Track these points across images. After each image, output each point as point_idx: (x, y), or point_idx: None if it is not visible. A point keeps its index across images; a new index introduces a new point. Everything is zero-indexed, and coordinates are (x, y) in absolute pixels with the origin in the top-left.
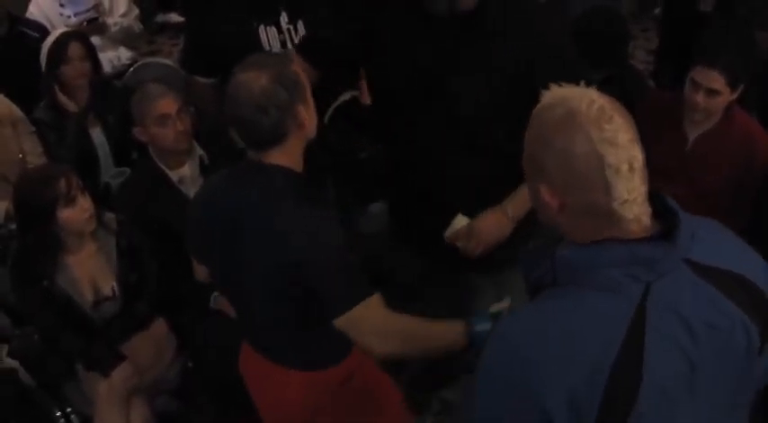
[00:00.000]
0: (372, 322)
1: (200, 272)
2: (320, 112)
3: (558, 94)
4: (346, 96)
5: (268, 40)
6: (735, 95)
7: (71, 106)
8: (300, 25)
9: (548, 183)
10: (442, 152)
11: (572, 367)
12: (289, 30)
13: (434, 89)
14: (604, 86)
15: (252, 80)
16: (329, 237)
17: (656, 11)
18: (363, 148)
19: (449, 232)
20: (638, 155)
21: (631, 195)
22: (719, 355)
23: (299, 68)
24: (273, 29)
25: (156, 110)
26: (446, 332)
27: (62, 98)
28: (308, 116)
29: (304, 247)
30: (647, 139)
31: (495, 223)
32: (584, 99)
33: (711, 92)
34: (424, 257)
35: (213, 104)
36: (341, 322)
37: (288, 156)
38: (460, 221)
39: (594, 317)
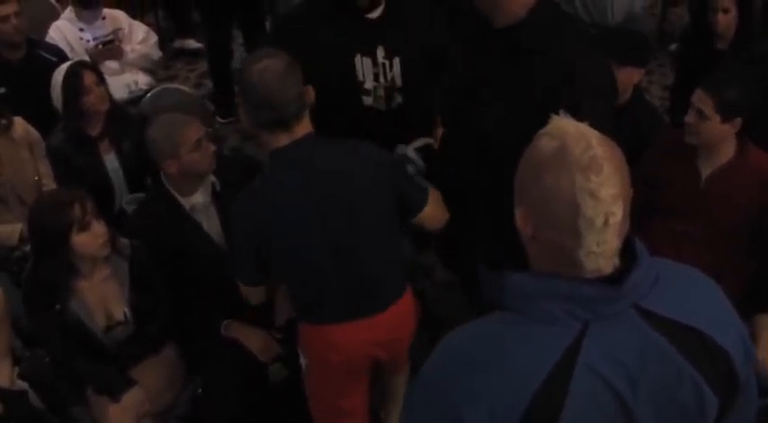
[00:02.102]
0: (438, 200)
1: (254, 295)
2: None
3: (560, 127)
4: (419, 143)
5: (362, 69)
6: (729, 127)
7: (93, 132)
8: (396, 63)
9: (525, 209)
10: (468, 168)
11: (495, 388)
12: (384, 64)
13: (467, 103)
14: (618, 116)
15: (272, 67)
16: (385, 152)
17: (673, 47)
18: None
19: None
20: (617, 211)
21: (600, 248)
22: (664, 409)
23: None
24: (369, 60)
25: (191, 136)
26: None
27: (84, 126)
28: (310, 90)
29: (381, 162)
30: (661, 174)
31: None
32: (581, 142)
33: (700, 114)
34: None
35: None
36: (425, 214)
37: (305, 125)
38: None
39: (528, 345)
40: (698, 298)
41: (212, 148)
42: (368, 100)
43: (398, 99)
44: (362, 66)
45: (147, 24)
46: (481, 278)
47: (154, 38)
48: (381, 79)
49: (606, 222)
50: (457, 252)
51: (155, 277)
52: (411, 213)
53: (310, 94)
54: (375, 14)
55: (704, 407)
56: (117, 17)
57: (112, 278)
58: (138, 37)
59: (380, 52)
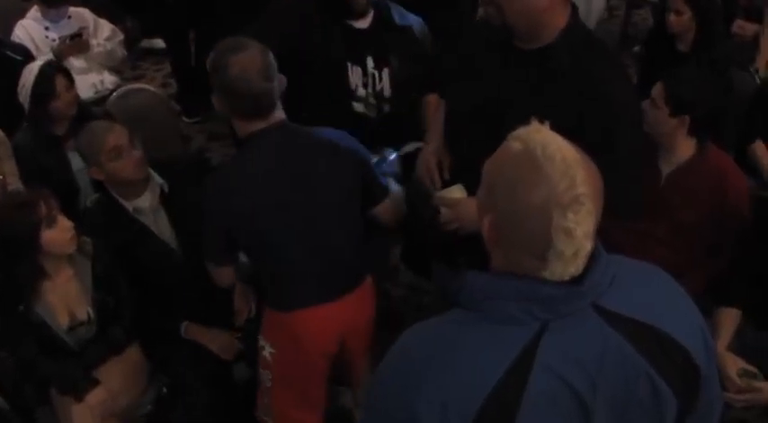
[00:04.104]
0: (399, 198)
1: (226, 275)
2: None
3: (544, 147)
4: (410, 147)
5: (353, 77)
6: (677, 123)
7: (59, 131)
8: (385, 74)
9: (495, 219)
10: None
11: (449, 388)
12: (374, 75)
13: (492, 120)
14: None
15: (253, 57)
16: (354, 141)
17: (636, 48)
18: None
19: (441, 193)
20: (587, 246)
21: (565, 271)
22: (622, 408)
23: None
24: (359, 69)
25: (109, 143)
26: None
27: (50, 126)
28: (282, 80)
29: (349, 150)
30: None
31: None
32: (565, 177)
33: (653, 102)
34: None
35: None
36: (385, 205)
37: (280, 112)
38: (457, 192)
39: (486, 343)
40: (655, 294)
41: (137, 155)
42: (359, 107)
43: (387, 108)
44: (353, 73)
45: (114, 24)
46: (438, 278)
47: (119, 36)
48: (370, 89)
49: (576, 255)
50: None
51: (117, 277)
52: (369, 204)
53: (283, 82)
54: (363, 25)
55: (661, 406)
56: (82, 15)
57: (75, 278)
58: (104, 35)
59: (370, 62)
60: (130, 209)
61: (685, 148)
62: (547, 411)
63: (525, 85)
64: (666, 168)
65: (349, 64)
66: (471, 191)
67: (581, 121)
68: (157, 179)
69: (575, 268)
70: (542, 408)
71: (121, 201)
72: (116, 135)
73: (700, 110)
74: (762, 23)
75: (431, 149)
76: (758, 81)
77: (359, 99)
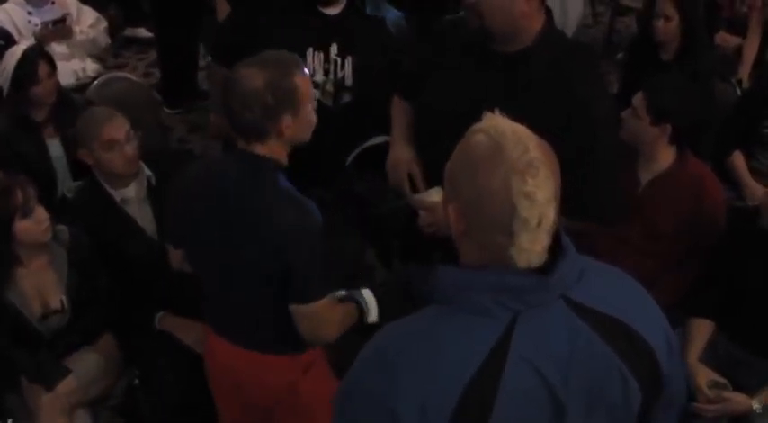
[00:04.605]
0: (324, 316)
1: (175, 259)
2: (346, 152)
3: (496, 127)
4: (379, 140)
5: (313, 64)
6: (658, 131)
7: (38, 117)
8: (348, 61)
9: (459, 206)
10: None
11: (427, 379)
12: (336, 61)
13: (468, 121)
14: None
15: (249, 77)
16: (311, 225)
17: (619, 56)
18: (387, 200)
19: (419, 196)
20: (550, 214)
21: (532, 246)
22: (593, 400)
23: (303, 81)
24: (322, 55)
25: (104, 135)
26: (353, 310)
27: (29, 111)
28: (296, 125)
29: (287, 229)
30: None
31: None
32: (519, 145)
33: (634, 112)
34: None
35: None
36: (299, 310)
37: (269, 150)
38: (435, 195)
39: (460, 336)
40: (622, 291)
41: (131, 152)
42: (315, 93)
43: (347, 98)
44: (314, 59)
45: (97, 11)
46: (411, 274)
47: (103, 23)
48: (332, 75)
49: (540, 223)
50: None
51: (93, 266)
52: (288, 298)
53: (286, 125)
54: (334, 11)
55: (629, 398)
56: (66, 1)
57: (50, 266)
58: (88, 22)
59: (334, 49)
60: (117, 198)
61: (665, 156)
62: (522, 404)
63: (504, 89)
64: (645, 176)
65: (311, 49)
66: None
67: (562, 125)
68: (146, 171)
69: (541, 246)
70: (518, 400)
71: (108, 189)
72: (115, 127)
73: (681, 119)
74: (744, 37)
75: (398, 158)
76: (739, 92)
77: (315, 85)
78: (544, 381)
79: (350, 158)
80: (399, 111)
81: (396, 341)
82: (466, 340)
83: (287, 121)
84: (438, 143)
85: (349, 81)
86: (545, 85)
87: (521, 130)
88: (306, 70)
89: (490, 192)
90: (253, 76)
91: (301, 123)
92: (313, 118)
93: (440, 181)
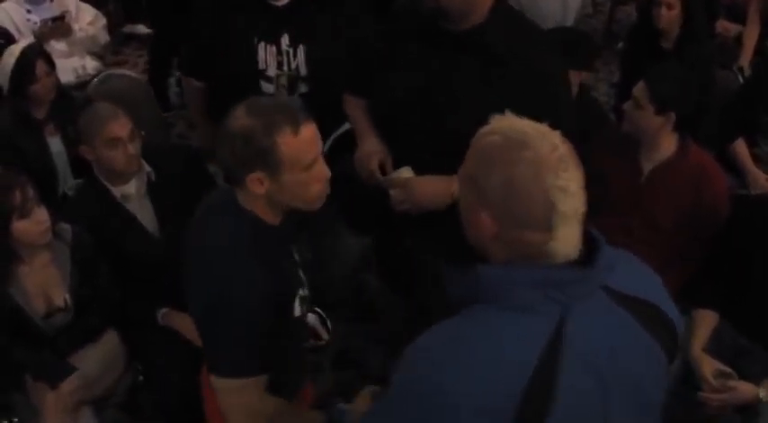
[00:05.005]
0: (240, 401)
1: None
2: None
3: (515, 128)
4: (344, 128)
5: (265, 58)
6: (662, 120)
7: (39, 115)
8: (301, 50)
9: (489, 210)
10: (429, 167)
11: (485, 381)
12: (288, 52)
13: (427, 101)
14: None
15: (234, 117)
16: (243, 296)
17: (619, 45)
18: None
19: (390, 175)
20: (582, 204)
21: (571, 239)
22: (633, 381)
23: (292, 145)
24: (273, 48)
25: (107, 132)
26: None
27: (29, 109)
28: (275, 187)
29: (206, 292)
30: (603, 170)
31: (434, 188)
32: (546, 142)
33: (637, 103)
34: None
35: (201, 108)
36: (214, 382)
37: (245, 199)
38: (405, 173)
39: (511, 339)
40: (642, 273)
41: (133, 150)
42: (269, 88)
43: (303, 88)
44: (266, 53)
45: (96, 8)
46: (446, 276)
47: (102, 21)
48: (285, 67)
49: (576, 214)
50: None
51: (97, 263)
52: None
53: (258, 181)
54: (282, 2)
55: (662, 378)
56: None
57: (53, 264)
58: (87, 19)
59: (285, 40)
60: (118, 195)
61: (668, 144)
62: (579, 396)
63: (463, 67)
64: (648, 165)
65: (263, 43)
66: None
67: (524, 97)
68: (146, 167)
69: (577, 238)
70: (575, 393)
71: (108, 186)
72: (119, 125)
73: (684, 106)
74: (744, 24)
75: (367, 150)
76: (741, 80)
77: (269, 79)
78: (597, 373)
79: (325, 147)
80: (355, 106)
81: (444, 349)
82: (517, 340)
83: (258, 177)
84: (403, 129)
85: (303, 70)
86: (502, 59)
87: (538, 126)
88: (307, 135)
89: (525, 191)
90: (237, 118)
91: (285, 188)
92: (313, 191)
93: (411, 164)
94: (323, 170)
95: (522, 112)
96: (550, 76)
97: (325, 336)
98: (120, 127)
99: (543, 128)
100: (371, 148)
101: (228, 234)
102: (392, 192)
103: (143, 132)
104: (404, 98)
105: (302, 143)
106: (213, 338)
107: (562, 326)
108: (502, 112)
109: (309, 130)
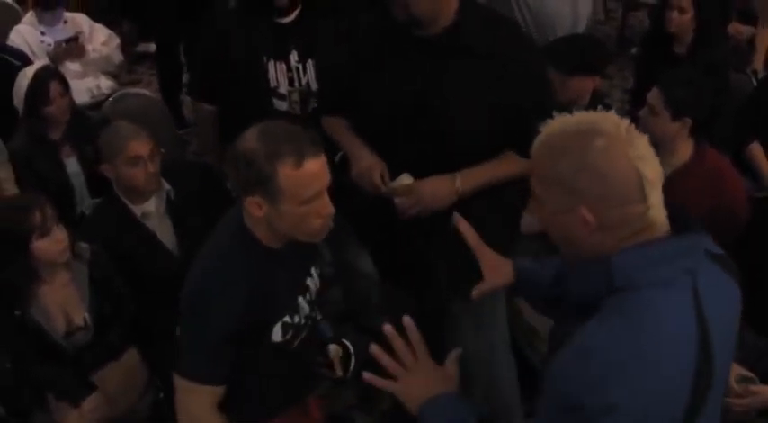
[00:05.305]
0: (186, 404)
1: None
2: (331, 152)
3: (583, 121)
4: None
5: (276, 76)
6: (679, 126)
7: (55, 136)
8: (310, 64)
9: (586, 204)
10: (428, 173)
11: (652, 381)
12: (298, 68)
13: (420, 109)
14: None
15: (244, 137)
16: (217, 306)
17: (633, 50)
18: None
19: (392, 184)
20: (660, 167)
21: (658, 200)
22: (732, 332)
23: (293, 176)
24: (283, 65)
25: (129, 151)
26: None
27: (45, 130)
28: (274, 214)
29: (195, 295)
30: None
31: (439, 187)
32: (609, 122)
33: (652, 109)
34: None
35: (213, 131)
36: (174, 376)
37: (249, 221)
38: (404, 179)
39: (670, 315)
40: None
41: (153, 169)
42: (282, 105)
43: (314, 103)
44: (276, 71)
45: (110, 28)
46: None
47: (116, 41)
48: (296, 84)
49: (658, 177)
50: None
51: (115, 281)
52: None
53: (257, 205)
54: (288, 19)
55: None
56: (78, 20)
57: (72, 283)
58: (100, 40)
59: (294, 56)
60: (138, 213)
61: (684, 150)
62: (723, 364)
63: (456, 73)
64: (665, 170)
65: (272, 61)
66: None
67: (503, 90)
68: (165, 185)
69: (661, 200)
70: (721, 362)
71: (128, 204)
72: (140, 144)
73: (700, 111)
74: (756, 26)
75: (366, 164)
76: (755, 82)
77: (281, 97)
78: (721, 331)
79: (337, 157)
80: (336, 125)
81: (605, 341)
82: (677, 314)
83: (257, 201)
84: (396, 139)
85: (314, 85)
86: (484, 56)
87: (583, 114)
88: (310, 169)
89: (614, 170)
90: (246, 139)
91: (283, 217)
92: (312, 225)
93: (394, 174)
94: (325, 206)
95: (514, 104)
96: (532, 65)
97: (339, 372)
98: (142, 145)
99: (588, 114)
100: (369, 162)
101: (222, 247)
102: (397, 200)
103: (163, 151)
104: (393, 109)
105: (304, 177)
106: (183, 337)
107: (698, 297)
108: (495, 107)
109: (315, 164)
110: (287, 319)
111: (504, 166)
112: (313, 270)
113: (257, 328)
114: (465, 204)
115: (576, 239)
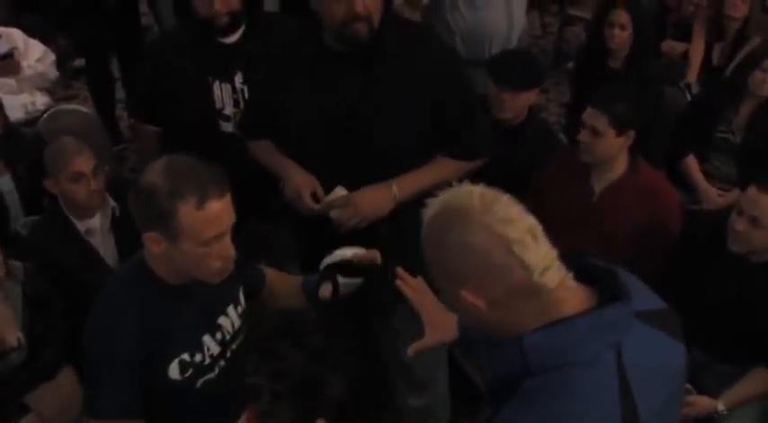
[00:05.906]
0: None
1: None
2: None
3: (439, 201)
4: None
5: (222, 97)
6: (623, 140)
7: None
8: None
9: (466, 285)
10: (362, 184)
11: None
12: (242, 90)
13: (345, 123)
14: (507, 135)
15: (149, 169)
16: (109, 340)
17: (569, 65)
18: None
19: (327, 199)
20: (534, 223)
21: (545, 263)
22: (675, 389)
23: (194, 217)
24: (228, 86)
25: (71, 167)
26: None
27: None
28: (174, 253)
29: (91, 329)
30: (554, 190)
31: (376, 195)
32: (463, 193)
33: (595, 132)
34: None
35: (156, 150)
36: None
37: (148, 255)
38: (339, 192)
39: (591, 398)
40: (641, 285)
41: (95, 186)
42: (228, 126)
43: None
44: (222, 92)
45: (45, 44)
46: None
47: (51, 57)
48: (241, 105)
49: (534, 236)
50: None
51: (50, 300)
52: None
53: (154, 241)
54: (232, 39)
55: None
56: (12, 36)
57: (4, 302)
58: (35, 56)
59: (238, 78)
60: (82, 229)
61: (620, 164)
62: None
63: (361, 81)
64: (599, 185)
65: (217, 82)
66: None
67: (436, 93)
68: (110, 202)
69: (551, 257)
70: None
71: (73, 220)
72: (82, 161)
73: (643, 123)
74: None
75: (296, 183)
76: (689, 96)
77: (227, 118)
78: (659, 397)
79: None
80: (262, 147)
81: None
82: (598, 396)
83: (156, 237)
84: (320, 157)
85: None
86: (397, 65)
87: (457, 189)
88: (212, 210)
89: (479, 245)
90: (151, 172)
91: (183, 256)
92: (210, 267)
93: (328, 188)
94: (225, 248)
95: (438, 102)
96: (451, 64)
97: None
98: (84, 162)
99: (446, 193)
100: (299, 179)
101: (121, 279)
102: (333, 214)
103: (107, 168)
104: (320, 123)
105: (204, 218)
106: (88, 374)
107: (623, 370)
108: (421, 109)
109: (217, 206)
110: (185, 356)
111: (438, 170)
112: (230, 309)
113: (152, 362)
114: (401, 212)
115: (482, 323)
